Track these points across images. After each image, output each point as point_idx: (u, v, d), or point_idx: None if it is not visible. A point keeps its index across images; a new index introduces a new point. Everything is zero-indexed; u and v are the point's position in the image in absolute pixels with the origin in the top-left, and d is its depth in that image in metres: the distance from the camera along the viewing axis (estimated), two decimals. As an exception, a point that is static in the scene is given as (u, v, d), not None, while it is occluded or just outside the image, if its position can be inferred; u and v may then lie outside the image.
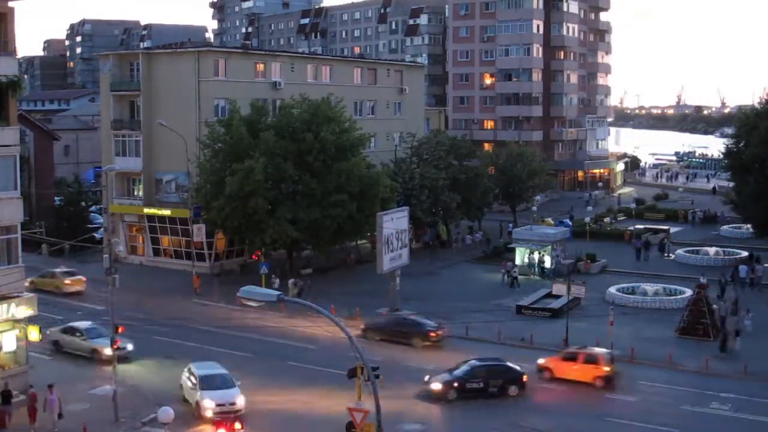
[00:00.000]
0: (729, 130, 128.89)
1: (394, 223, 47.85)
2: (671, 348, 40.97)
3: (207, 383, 31.85)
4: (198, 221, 55.04)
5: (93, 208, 73.79)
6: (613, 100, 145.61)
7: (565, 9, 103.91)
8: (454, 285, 56.30)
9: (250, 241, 54.20)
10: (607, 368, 36.35)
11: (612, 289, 51.68)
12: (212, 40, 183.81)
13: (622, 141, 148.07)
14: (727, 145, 66.36)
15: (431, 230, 70.17)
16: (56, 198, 73.68)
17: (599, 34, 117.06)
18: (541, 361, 37.92)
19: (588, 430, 31.88)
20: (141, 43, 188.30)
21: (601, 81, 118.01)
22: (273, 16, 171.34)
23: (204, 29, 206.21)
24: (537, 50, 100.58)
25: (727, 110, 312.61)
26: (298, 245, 56.21)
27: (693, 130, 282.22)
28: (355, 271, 60.00)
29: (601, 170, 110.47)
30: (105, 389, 33.62)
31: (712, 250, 63.61)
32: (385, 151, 67.58)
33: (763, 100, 65.74)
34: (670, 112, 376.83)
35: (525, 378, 35.42)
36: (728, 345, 40.70)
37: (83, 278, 54.14)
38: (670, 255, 64.35)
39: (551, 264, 58.71)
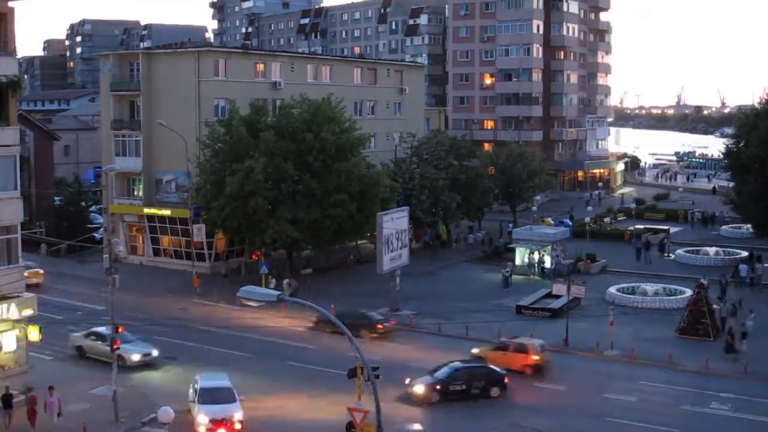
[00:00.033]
0: (729, 130, 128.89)
1: (394, 223, 47.84)
2: (671, 348, 40.97)
3: (205, 397, 30.83)
4: (198, 221, 55.04)
5: (93, 208, 73.77)
6: (613, 100, 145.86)
7: (565, 9, 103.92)
8: (454, 285, 56.30)
9: (250, 241, 54.20)
10: (536, 357, 37.80)
11: (612, 289, 51.68)
12: (212, 40, 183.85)
13: (622, 141, 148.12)
14: (727, 145, 66.33)
15: (431, 230, 70.16)
16: (56, 198, 73.67)
17: (599, 34, 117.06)
18: (475, 350, 39.41)
19: (588, 430, 31.88)
20: (141, 43, 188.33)
21: (601, 81, 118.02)
22: (273, 16, 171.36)
23: (204, 29, 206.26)
24: (537, 50, 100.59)
25: (727, 110, 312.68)
26: (298, 245, 56.21)
27: (693, 130, 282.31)
28: (355, 271, 59.99)
29: (601, 170, 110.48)
30: (105, 389, 33.59)
31: (712, 250, 63.62)
32: (385, 151, 67.57)
33: (763, 100, 65.71)
34: (670, 112, 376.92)
35: (506, 379, 35.33)
36: (735, 346, 40.54)
37: (41, 271, 54.67)
38: (670, 255, 64.35)
39: (551, 264, 58.69)
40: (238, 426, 29.86)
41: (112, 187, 61.57)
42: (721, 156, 73.56)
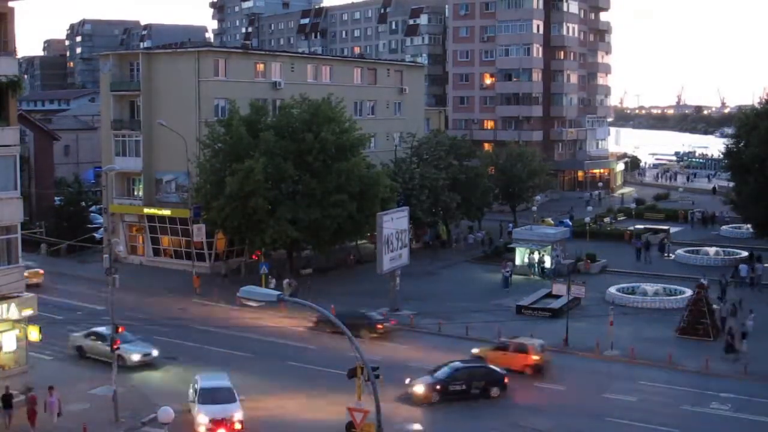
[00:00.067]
0: (729, 130, 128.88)
1: (394, 223, 47.83)
2: (671, 348, 40.97)
3: (205, 397, 30.67)
4: (198, 221, 55.04)
5: (93, 208, 73.77)
6: (613, 100, 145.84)
7: (565, 9, 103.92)
8: (454, 285, 56.30)
9: (250, 241, 54.20)
10: (536, 357, 37.87)
11: (612, 289, 51.68)
12: (212, 40, 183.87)
13: (622, 141, 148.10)
14: (727, 145, 66.32)
15: (431, 230, 70.15)
16: (56, 198, 73.66)
17: (599, 34, 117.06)
18: (474, 350, 39.48)
19: (588, 430, 31.89)
20: (141, 43, 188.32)
21: (601, 81, 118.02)
22: (273, 16, 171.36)
23: (204, 29, 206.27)
24: (537, 50, 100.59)
25: (727, 110, 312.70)
26: (298, 245, 56.21)
27: (693, 130, 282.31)
28: (355, 271, 59.99)
29: (601, 170, 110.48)
30: (105, 389, 33.58)
31: (712, 250, 63.62)
32: (385, 151, 67.58)
33: (763, 100, 65.71)
34: (670, 112, 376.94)
35: (506, 379, 35.29)
36: (735, 346, 40.51)
37: (41, 271, 54.84)
38: (670, 255, 64.35)
39: (551, 264, 58.69)
40: (238, 426, 29.86)
41: (112, 187, 61.57)
42: (721, 156, 73.55)
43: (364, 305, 48.25)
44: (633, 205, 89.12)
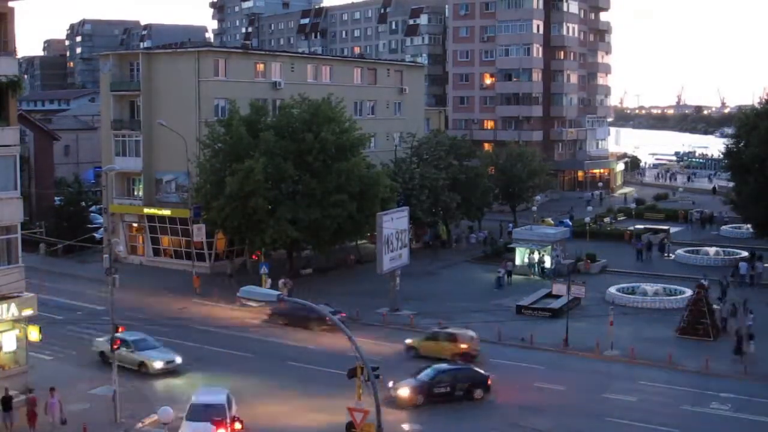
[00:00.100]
0: (729, 130, 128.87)
1: (394, 223, 47.84)
2: (671, 348, 40.96)
3: (193, 413, 29.29)
4: (198, 221, 55.03)
5: (93, 208, 73.74)
6: (613, 100, 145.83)
7: (565, 9, 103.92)
8: (454, 285, 56.30)
9: (250, 241, 54.19)
10: (464, 346, 39.16)
11: (612, 289, 51.68)
12: (212, 40, 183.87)
13: (622, 141, 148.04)
14: (727, 145, 66.30)
15: (431, 230, 70.15)
16: (56, 198, 73.62)
17: (599, 34, 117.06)
18: (408, 340, 40.89)
19: (588, 430, 31.88)
20: (141, 43, 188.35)
21: (601, 81, 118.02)
22: (273, 16, 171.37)
23: (204, 29, 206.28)
24: (537, 50, 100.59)
25: (727, 110, 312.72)
26: (298, 245, 56.20)
27: (693, 130, 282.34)
28: (355, 271, 59.98)
29: (601, 170, 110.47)
30: (105, 389, 33.57)
31: (712, 250, 63.61)
32: (385, 151, 67.57)
33: (763, 100, 65.69)
34: (670, 112, 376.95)
35: (489, 381, 35.11)
36: (743, 348, 40.30)
37: None
38: (670, 255, 64.35)
39: (551, 264, 58.69)
40: (238, 426, 29.83)
41: (112, 187, 61.56)
42: (721, 156, 73.55)
43: (364, 305, 48.36)
44: (633, 205, 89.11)
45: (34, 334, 33.41)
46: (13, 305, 32.60)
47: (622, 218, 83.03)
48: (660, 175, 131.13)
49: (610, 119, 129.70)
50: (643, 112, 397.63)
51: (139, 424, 31.27)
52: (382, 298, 49.58)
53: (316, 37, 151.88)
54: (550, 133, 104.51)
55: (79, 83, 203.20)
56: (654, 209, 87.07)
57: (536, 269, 58.64)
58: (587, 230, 70.70)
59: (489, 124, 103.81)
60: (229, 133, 52.91)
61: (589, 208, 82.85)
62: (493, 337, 43.22)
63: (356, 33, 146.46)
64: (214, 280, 55.31)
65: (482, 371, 35.56)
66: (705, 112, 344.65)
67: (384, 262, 46.67)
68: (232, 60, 61.14)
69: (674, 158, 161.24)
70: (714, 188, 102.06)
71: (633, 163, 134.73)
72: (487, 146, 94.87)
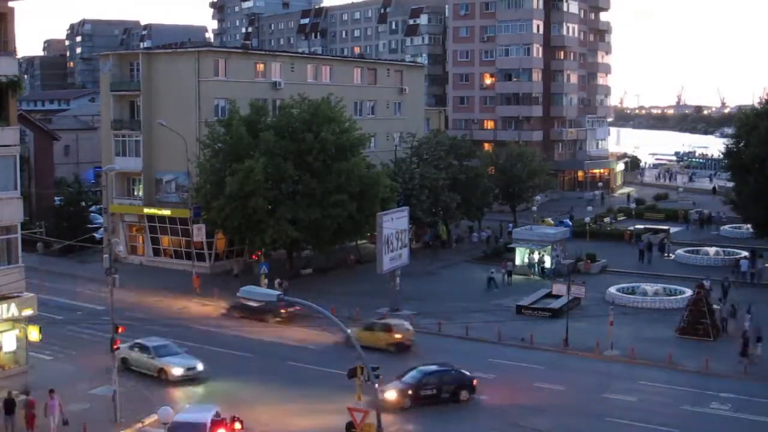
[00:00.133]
0: (729, 130, 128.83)
1: (394, 223, 47.84)
2: (671, 348, 40.94)
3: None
4: (198, 221, 55.02)
5: (93, 208, 73.75)
6: (613, 100, 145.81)
7: (565, 9, 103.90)
8: (454, 285, 56.29)
9: (250, 241, 54.19)
10: (398, 336, 40.57)
11: (612, 289, 51.66)
12: (212, 40, 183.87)
13: (622, 141, 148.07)
14: (727, 145, 66.30)
15: (431, 230, 70.17)
16: (56, 198, 73.63)
17: (599, 34, 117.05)
18: (347, 331, 39.84)
19: (588, 430, 31.87)
20: (141, 43, 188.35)
21: (601, 81, 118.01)
22: (273, 16, 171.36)
23: (204, 29, 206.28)
24: (537, 50, 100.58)
25: (727, 110, 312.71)
26: (298, 245, 56.20)
27: (693, 130, 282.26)
28: (355, 271, 59.98)
29: (601, 170, 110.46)
30: (105, 389, 33.55)
31: (712, 250, 63.60)
32: (385, 151, 67.58)
33: (763, 100, 65.68)
34: (670, 112, 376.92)
35: (475, 382, 34.84)
36: (749, 350, 40.02)
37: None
38: (670, 255, 64.35)
39: (551, 264, 58.70)
40: (238, 426, 29.81)
41: (112, 187, 61.59)
42: (721, 156, 73.55)
43: (364, 305, 48.37)
44: (633, 205, 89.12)
45: (34, 334, 33.45)
46: (13, 305, 32.64)
47: (622, 218, 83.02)
48: (660, 175, 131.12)
49: (610, 119, 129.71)
50: (643, 112, 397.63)
51: (139, 424, 31.27)
52: (382, 298, 49.58)
53: (316, 37, 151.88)
54: (550, 133, 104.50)
55: (79, 83, 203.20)
56: (654, 209, 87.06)
57: (536, 269, 58.64)
58: (587, 230, 70.69)
59: (489, 124, 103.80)
60: (229, 133, 52.92)
61: (589, 208, 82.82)
62: (493, 337, 43.23)
63: (356, 33, 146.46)
64: (214, 280, 55.29)
65: (467, 373, 35.13)
66: (705, 112, 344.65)
67: (384, 262, 46.67)
68: (232, 60, 61.14)
69: (674, 158, 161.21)
70: (714, 188, 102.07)
71: (633, 163, 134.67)
72: (487, 146, 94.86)
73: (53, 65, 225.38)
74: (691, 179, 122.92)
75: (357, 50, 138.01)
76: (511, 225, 71.42)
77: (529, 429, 31.55)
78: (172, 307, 50.19)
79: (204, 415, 28.46)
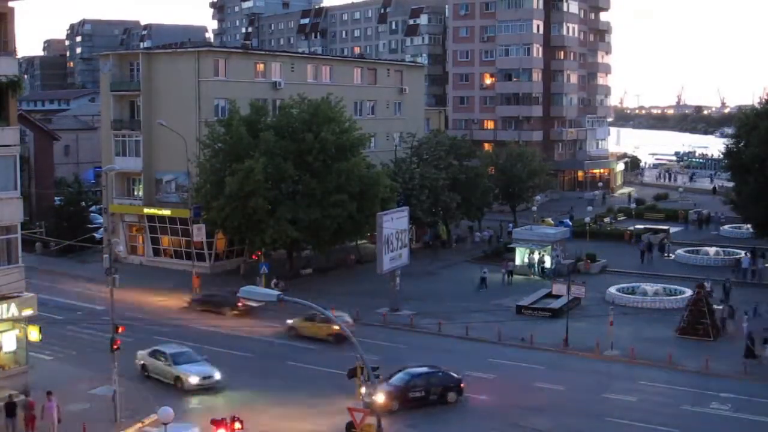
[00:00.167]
0: (729, 130, 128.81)
1: (394, 223, 47.83)
2: (671, 348, 40.95)
3: None
4: (198, 221, 55.01)
5: (93, 208, 73.74)
6: (613, 100, 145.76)
7: (565, 9, 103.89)
8: (454, 285, 56.26)
9: (250, 241, 54.18)
10: (336, 327, 39.66)
11: (612, 289, 51.67)
12: (212, 40, 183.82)
13: (622, 141, 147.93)
14: (727, 145, 66.30)
15: (431, 230, 70.17)
16: (56, 198, 73.64)
17: (599, 34, 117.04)
18: (289, 321, 44.05)
19: (588, 430, 31.87)
20: (141, 43, 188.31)
21: (601, 81, 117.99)
22: (273, 16, 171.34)
23: (204, 29, 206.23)
24: (537, 50, 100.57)
25: (727, 110, 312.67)
26: (298, 245, 56.20)
27: (693, 130, 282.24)
28: (355, 271, 59.98)
29: (601, 170, 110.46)
30: (105, 389, 33.54)
31: (712, 250, 63.60)
32: (385, 151, 67.57)
33: (763, 100, 65.70)
34: (670, 112, 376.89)
35: (462, 384, 34.66)
36: (756, 351, 39.97)
37: None
38: (670, 255, 64.35)
39: (551, 264, 58.69)
40: (238, 426, 29.77)
41: (112, 187, 61.58)
42: (721, 156, 73.56)
43: (364, 305, 48.43)
44: (633, 205, 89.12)
45: (34, 334, 33.39)
46: (13, 305, 32.59)
47: (622, 218, 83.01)
48: (660, 175, 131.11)
49: (610, 119, 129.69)
50: (643, 112, 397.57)
51: (139, 424, 31.27)
52: (382, 298, 49.59)
53: (316, 37, 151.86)
54: (550, 133, 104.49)
55: (79, 83, 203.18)
56: (654, 209, 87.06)
57: (536, 269, 58.64)
58: (587, 230, 70.69)
59: (489, 124, 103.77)
60: (229, 133, 52.92)
61: (589, 208, 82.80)
62: (493, 337, 43.24)
63: (356, 33, 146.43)
64: (214, 281, 55.30)
65: (454, 374, 34.94)
66: (705, 112, 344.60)
67: (384, 262, 46.67)
68: (232, 60, 61.15)
69: (674, 158, 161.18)
70: (714, 188, 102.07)
71: (633, 163, 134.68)
72: (487, 146, 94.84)
73: (53, 65, 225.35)
74: (692, 179, 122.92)
75: (357, 50, 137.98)
76: (511, 225, 71.42)
77: (529, 429, 31.55)
78: (172, 307, 50.15)
79: None
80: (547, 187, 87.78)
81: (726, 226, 74.76)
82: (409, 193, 62.19)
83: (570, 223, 72.58)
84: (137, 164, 61.22)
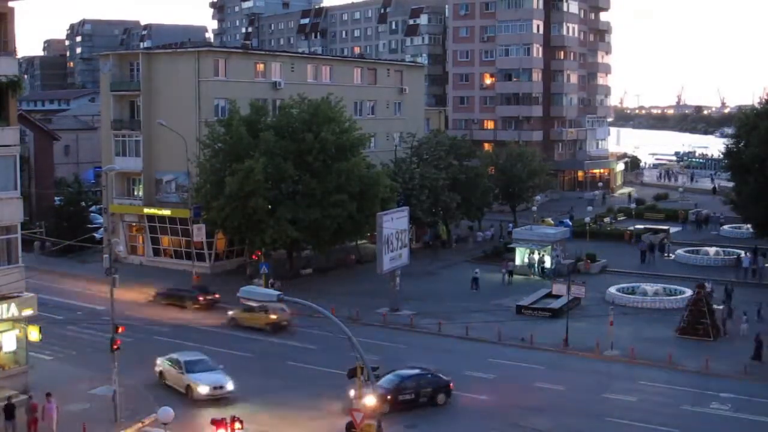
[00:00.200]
0: (729, 130, 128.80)
1: (394, 223, 47.83)
2: (671, 348, 40.96)
3: None
4: (198, 221, 55.01)
5: (93, 208, 73.74)
6: (613, 100, 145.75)
7: (565, 9, 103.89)
8: (454, 285, 56.24)
9: (250, 241, 54.18)
10: (273, 317, 44.28)
11: (612, 289, 51.67)
12: (212, 40, 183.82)
13: (622, 141, 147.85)
14: (727, 145, 66.31)
15: (431, 230, 70.18)
16: (56, 198, 73.64)
17: (599, 34, 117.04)
18: (230, 313, 46.16)
19: (588, 430, 31.87)
20: (141, 43, 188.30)
21: (601, 81, 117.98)
22: (273, 16, 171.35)
23: (204, 29, 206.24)
24: (537, 50, 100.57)
25: (727, 110, 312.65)
26: (298, 245, 56.19)
27: (693, 130, 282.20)
28: (355, 271, 59.99)
29: (601, 170, 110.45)
30: (105, 389, 33.53)
31: (712, 250, 63.61)
32: (385, 151, 67.58)
33: (763, 100, 65.71)
34: (670, 112, 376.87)
35: (451, 385, 34.52)
36: (761, 353, 39.81)
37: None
38: (670, 255, 64.35)
39: (551, 264, 58.69)
40: (238, 426, 29.78)
41: (112, 187, 61.57)
42: (721, 156, 73.57)
43: (364, 305, 48.47)
44: (633, 205, 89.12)
45: (34, 334, 33.38)
46: (13, 305, 32.60)
47: (622, 218, 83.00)
48: (660, 175, 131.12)
49: (610, 119, 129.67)
50: (643, 112, 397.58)
51: (139, 424, 31.27)
52: (382, 298, 49.59)
53: (316, 37, 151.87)
54: (550, 133, 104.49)
55: (79, 83, 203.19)
56: (654, 209, 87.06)
57: (536, 269, 58.64)
58: (587, 230, 70.69)
59: (489, 124, 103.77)
60: (229, 133, 52.92)
61: (589, 208, 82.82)
62: (493, 337, 43.24)
63: (356, 33, 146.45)
64: (214, 280, 55.30)
65: (444, 376, 34.78)
66: (705, 112, 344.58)
67: (384, 262, 46.67)
68: (232, 60, 61.15)
69: (674, 158, 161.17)
70: (714, 188, 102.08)
71: (633, 163, 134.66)
72: (487, 146, 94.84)
73: (53, 65, 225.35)
74: (692, 179, 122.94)
75: (357, 50, 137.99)
76: (511, 225, 71.44)
77: (529, 429, 31.56)
78: (172, 306, 50.16)
79: None
80: (547, 187, 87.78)
81: (726, 226, 74.77)
82: (409, 193, 62.19)
83: (570, 223, 72.58)
84: (137, 164, 61.22)
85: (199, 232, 55.14)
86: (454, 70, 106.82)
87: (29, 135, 72.27)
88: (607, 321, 41.81)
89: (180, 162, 56.62)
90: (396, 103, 75.04)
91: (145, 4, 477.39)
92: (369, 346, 37.33)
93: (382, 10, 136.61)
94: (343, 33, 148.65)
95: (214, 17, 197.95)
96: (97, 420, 31.05)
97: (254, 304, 40.44)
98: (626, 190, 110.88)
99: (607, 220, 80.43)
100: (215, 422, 24.72)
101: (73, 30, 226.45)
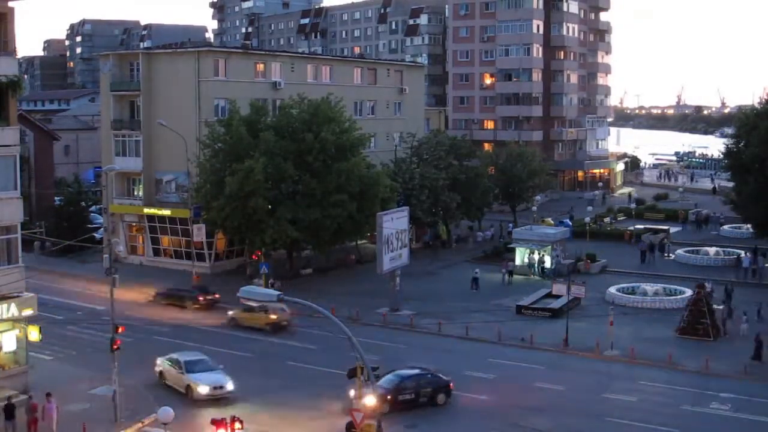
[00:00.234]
0: (729, 130, 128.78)
1: (394, 223, 47.83)
2: (671, 348, 40.96)
3: None
4: (198, 221, 55.02)
5: (93, 208, 73.74)
6: (613, 100, 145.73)
7: (565, 9, 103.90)
8: (454, 285, 56.24)
9: (250, 241, 54.18)
10: (273, 317, 44.48)
11: (612, 289, 51.67)
12: (212, 40, 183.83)
13: (622, 141, 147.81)
14: (727, 145, 66.33)
15: (431, 230, 70.19)
16: (56, 198, 73.64)
17: (599, 34, 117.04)
18: (230, 313, 46.29)
19: (588, 430, 31.87)
20: (141, 43, 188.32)
21: (601, 81, 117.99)
22: (273, 16, 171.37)
23: (204, 29, 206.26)
24: (537, 50, 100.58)
25: (727, 110, 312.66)
26: (298, 245, 56.20)
27: (693, 130, 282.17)
28: (355, 271, 59.99)
29: (601, 170, 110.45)
30: (105, 389, 33.53)
31: (712, 250, 63.61)
32: (385, 151, 67.58)
33: (763, 100, 65.72)
34: (670, 112, 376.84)
35: (451, 385, 34.49)
36: (762, 353, 39.75)
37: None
38: (670, 255, 64.35)
39: (551, 264, 58.69)
40: (238, 426, 29.78)
41: (112, 187, 61.57)
42: (721, 156, 73.57)
43: (364, 305, 48.47)
44: (633, 205, 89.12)
45: (34, 334, 33.38)
46: (13, 305, 32.60)
47: (622, 218, 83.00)
48: (660, 175, 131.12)
49: (610, 119, 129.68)
50: (643, 112, 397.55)
51: (139, 424, 31.27)
52: (382, 298, 49.59)
53: (316, 37, 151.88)
54: (550, 133, 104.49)
55: (79, 83, 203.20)
56: (654, 209, 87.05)
57: (536, 269, 58.64)
58: (587, 230, 70.68)
59: (489, 124, 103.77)
60: (229, 133, 52.93)
61: (589, 208, 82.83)
62: (493, 337, 43.24)
63: (356, 33, 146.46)
64: (214, 280, 55.31)
65: (444, 376, 34.76)
66: (705, 112, 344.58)
67: (384, 262, 46.67)
68: (232, 60, 61.15)
69: (674, 158, 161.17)
70: (714, 188, 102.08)
71: (633, 163, 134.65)
72: (487, 146, 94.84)
73: (53, 65, 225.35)
74: (692, 179, 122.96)
75: (357, 50, 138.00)
76: (511, 225, 71.44)
77: (529, 429, 31.56)
78: (172, 307, 50.17)
79: None
80: (547, 187, 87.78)
81: (726, 226, 74.78)
82: (409, 193, 62.20)
83: (570, 223, 72.57)
84: (137, 164, 61.22)
85: (199, 232, 55.15)
86: (454, 70, 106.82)
87: (29, 135, 72.27)
88: (607, 321, 41.82)
89: (180, 162, 56.63)
90: (396, 103, 75.04)
91: (145, 4, 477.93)
92: (369, 346, 37.35)
93: (382, 10, 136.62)
94: (343, 33, 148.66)
95: (214, 17, 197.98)
96: (97, 420, 31.06)
97: (254, 304, 40.30)
98: (626, 190, 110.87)
99: (607, 220, 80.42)
100: (215, 422, 24.73)
101: (73, 30, 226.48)
